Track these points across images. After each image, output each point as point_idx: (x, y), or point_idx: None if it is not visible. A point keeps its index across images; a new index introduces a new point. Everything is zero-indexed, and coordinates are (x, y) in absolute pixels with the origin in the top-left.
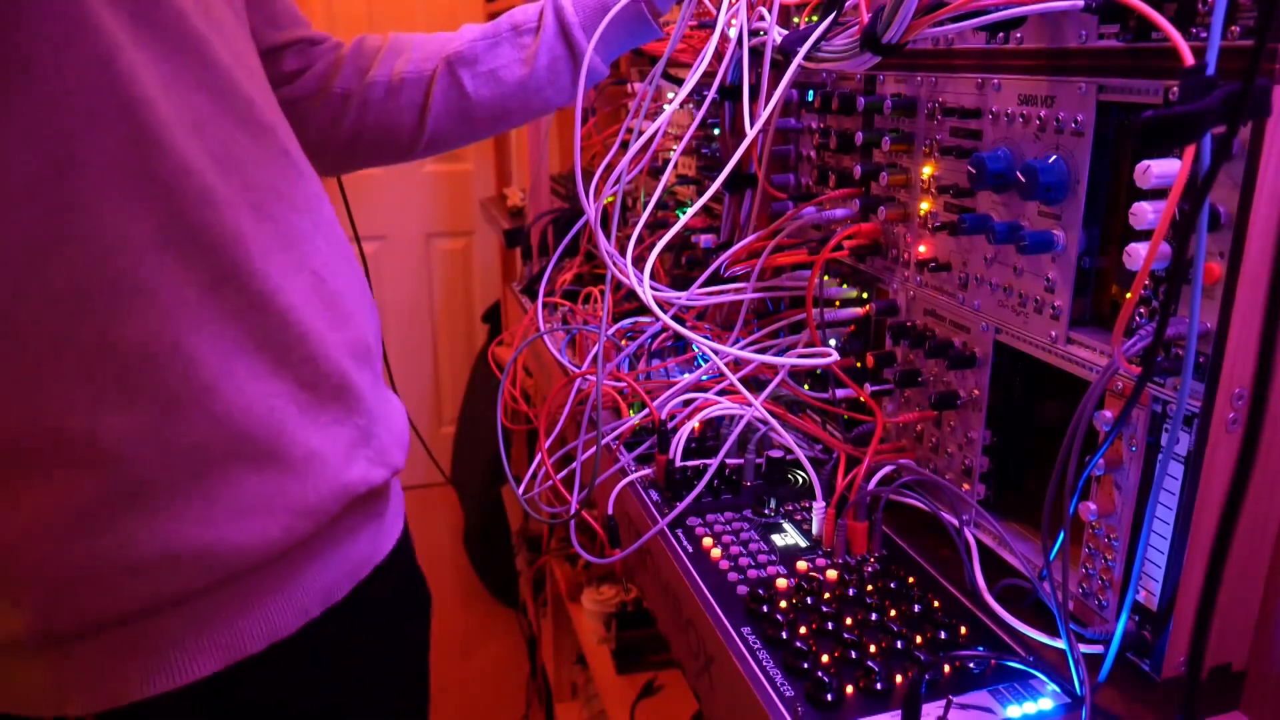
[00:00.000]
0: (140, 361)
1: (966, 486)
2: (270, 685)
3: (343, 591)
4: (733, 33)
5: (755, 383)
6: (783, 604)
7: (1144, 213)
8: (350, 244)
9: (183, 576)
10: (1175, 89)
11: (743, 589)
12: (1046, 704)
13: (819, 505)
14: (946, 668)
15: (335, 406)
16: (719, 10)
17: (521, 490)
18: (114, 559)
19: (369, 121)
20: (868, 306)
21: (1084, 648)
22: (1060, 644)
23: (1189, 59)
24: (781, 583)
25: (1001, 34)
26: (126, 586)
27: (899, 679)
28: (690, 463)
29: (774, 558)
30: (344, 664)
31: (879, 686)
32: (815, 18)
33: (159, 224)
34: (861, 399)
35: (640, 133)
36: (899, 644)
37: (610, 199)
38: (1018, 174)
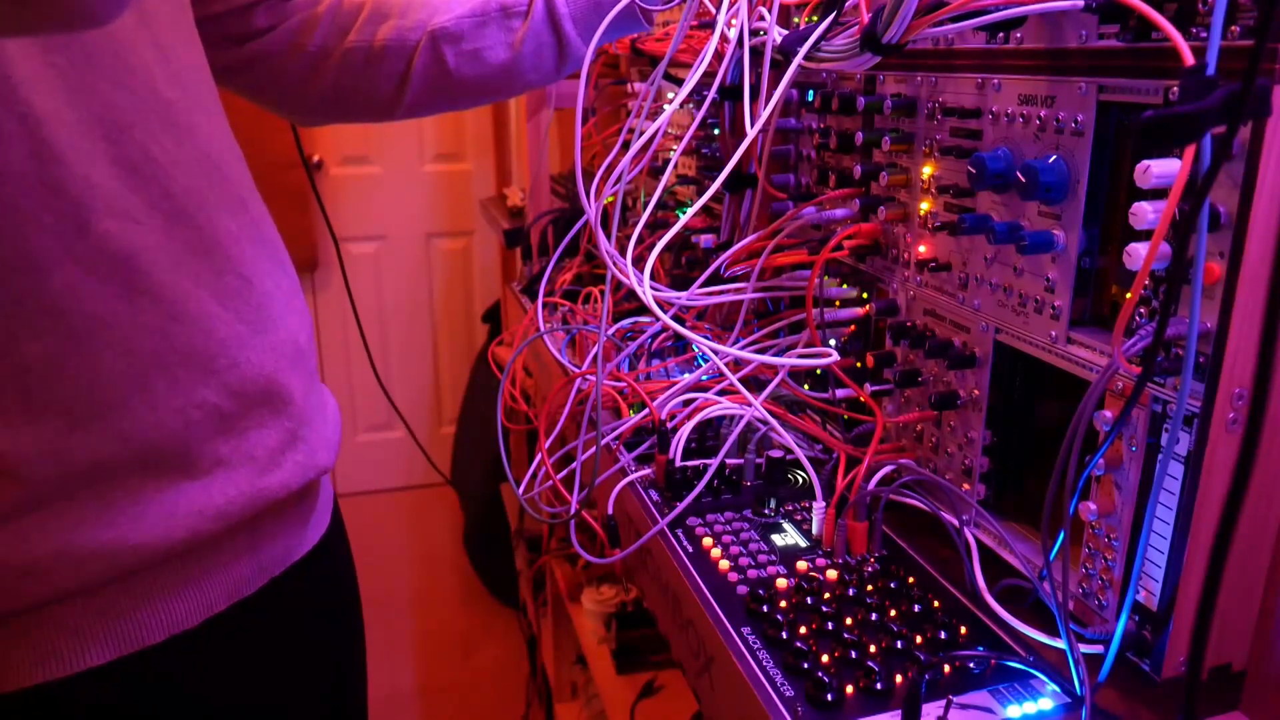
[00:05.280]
0: (45, 379)
1: (966, 486)
2: (173, 675)
3: (253, 587)
4: (732, 33)
5: (755, 383)
6: (783, 604)
7: (1144, 213)
8: (280, 241)
9: (81, 574)
10: (1175, 89)
11: (743, 589)
12: (1046, 704)
13: (819, 505)
14: (946, 668)
15: (262, 410)
16: (719, 10)
17: (521, 490)
18: (10, 562)
19: (347, 84)
20: (868, 306)
21: (1084, 648)
22: (1060, 644)
23: (1189, 59)
24: (781, 583)
25: (1001, 34)
26: (22, 586)
27: (899, 679)
28: (690, 463)
29: (774, 558)
30: (251, 656)
31: (879, 686)
32: (815, 18)
33: (64, 240)
34: (861, 399)
35: (640, 133)
36: (899, 644)
37: (610, 199)
38: (1018, 174)
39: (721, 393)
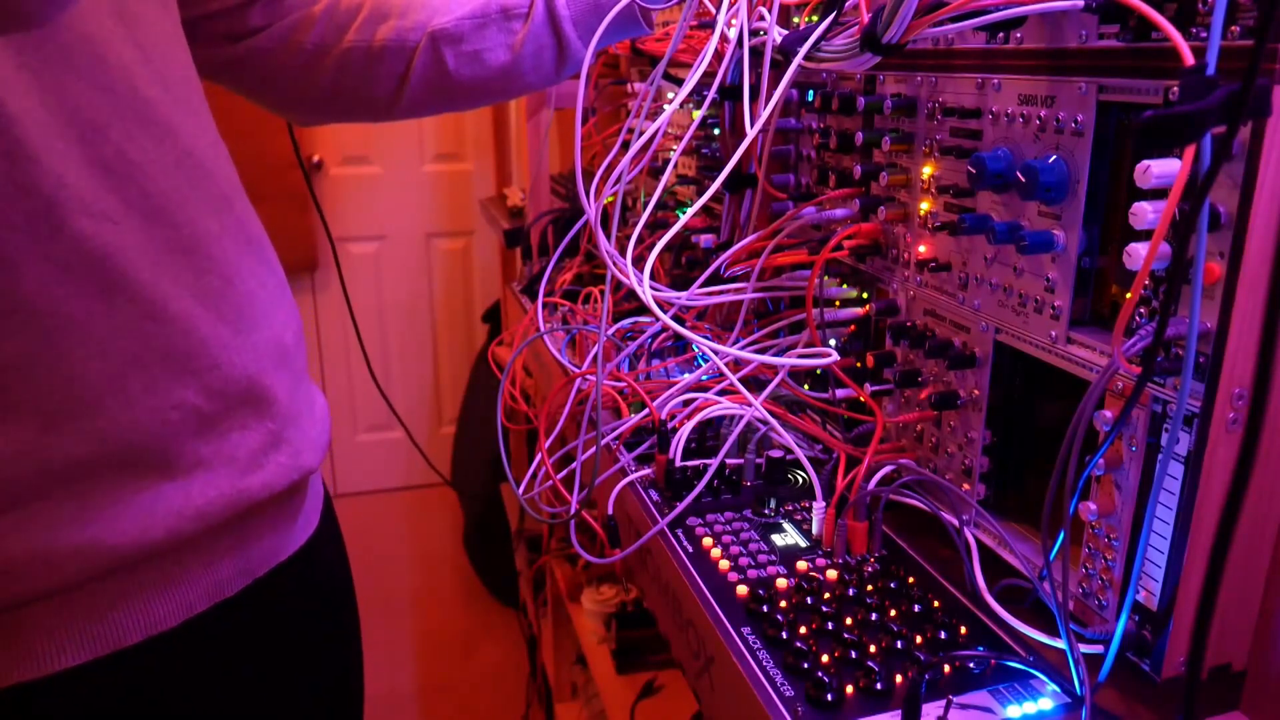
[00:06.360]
0: (20, 379)
1: (966, 486)
2: (152, 676)
3: (235, 588)
4: (732, 33)
5: (755, 383)
6: (783, 604)
7: (1144, 213)
8: (267, 240)
9: (57, 574)
10: (1175, 89)
11: (743, 589)
12: (1046, 704)
13: (819, 505)
14: (946, 668)
15: (243, 411)
16: (719, 10)
17: (521, 490)
18: None
19: (345, 84)
20: (868, 306)
21: (1084, 648)
22: (1060, 644)
23: (1189, 59)
24: (781, 583)
25: (1001, 34)
26: None
27: (899, 679)
28: (690, 463)
29: (774, 558)
30: (233, 657)
31: (879, 686)
32: (815, 18)
33: (36, 239)
34: (861, 399)
35: (640, 133)
36: (899, 644)
37: (610, 199)
38: (1018, 174)
39: (721, 393)
